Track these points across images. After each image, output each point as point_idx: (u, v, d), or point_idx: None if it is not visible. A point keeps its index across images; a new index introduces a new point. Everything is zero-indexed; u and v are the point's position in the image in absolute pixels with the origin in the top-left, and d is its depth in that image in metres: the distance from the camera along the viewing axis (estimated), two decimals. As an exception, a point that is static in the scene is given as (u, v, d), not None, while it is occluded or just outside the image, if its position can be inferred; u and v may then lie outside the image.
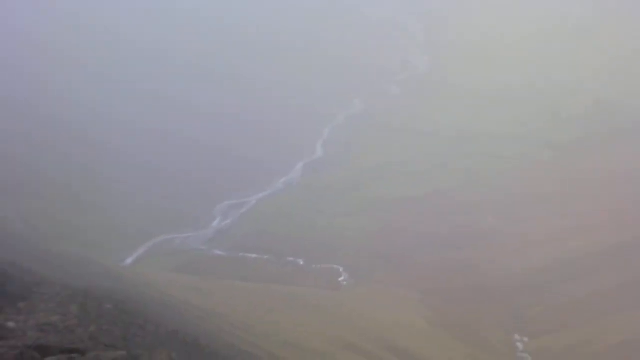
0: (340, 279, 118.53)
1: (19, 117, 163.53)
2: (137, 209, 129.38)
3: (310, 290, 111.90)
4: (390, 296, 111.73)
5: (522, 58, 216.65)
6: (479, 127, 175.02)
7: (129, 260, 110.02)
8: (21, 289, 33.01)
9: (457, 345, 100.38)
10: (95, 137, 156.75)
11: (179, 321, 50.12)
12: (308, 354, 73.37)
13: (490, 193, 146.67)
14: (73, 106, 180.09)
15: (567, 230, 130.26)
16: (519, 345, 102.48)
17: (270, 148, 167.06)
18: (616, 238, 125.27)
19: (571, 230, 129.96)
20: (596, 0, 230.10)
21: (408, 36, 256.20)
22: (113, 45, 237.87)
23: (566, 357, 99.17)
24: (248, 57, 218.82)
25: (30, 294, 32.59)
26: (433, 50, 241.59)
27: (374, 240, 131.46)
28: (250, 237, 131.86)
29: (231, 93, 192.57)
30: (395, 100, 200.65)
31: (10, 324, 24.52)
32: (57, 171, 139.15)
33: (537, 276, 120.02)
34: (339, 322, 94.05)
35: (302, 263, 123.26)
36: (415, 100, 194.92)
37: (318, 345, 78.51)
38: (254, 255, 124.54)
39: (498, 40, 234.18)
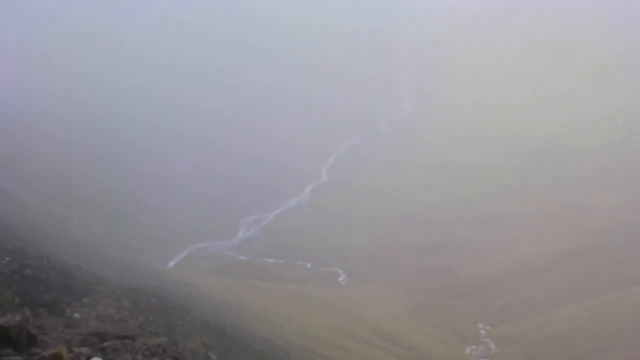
0: (340, 279, 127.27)
1: (85, 133, 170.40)
2: (177, 224, 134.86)
3: (315, 289, 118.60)
4: (380, 294, 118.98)
5: (491, 106, 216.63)
6: (454, 158, 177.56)
7: (171, 264, 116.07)
8: (84, 287, 34.24)
9: (433, 331, 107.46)
10: (140, 167, 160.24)
11: (210, 313, 52.09)
12: (314, 339, 76.05)
13: (464, 211, 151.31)
14: (140, 129, 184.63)
15: (522, 240, 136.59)
16: (482, 332, 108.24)
17: (284, 175, 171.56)
18: (561, 246, 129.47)
19: (526, 240, 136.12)
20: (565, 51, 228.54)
21: (399, 86, 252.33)
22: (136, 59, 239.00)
23: (520, 341, 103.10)
24: (261, 109, 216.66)
25: (91, 292, 34.06)
26: (419, 97, 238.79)
27: (368, 249, 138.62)
28: (268, 246, 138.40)
29: (248, 134, 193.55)
30: (386, 136, 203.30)
31: (76, 315, 26.83)
32: (112, 189, 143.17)
33: (499, 277, 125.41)
34: (338, 314, 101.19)
35: (309, 266, 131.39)
36: (402, 136, 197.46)
37: (322, 333, 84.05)
38: (271, 260, 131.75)
39: (474, 90, 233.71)
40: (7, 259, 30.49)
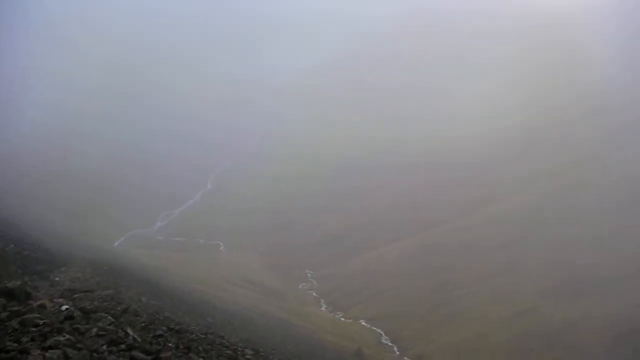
0: (221, 248, 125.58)
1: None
2: (116, 219, 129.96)
3: (206, 255, 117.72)
4: (245, 256, 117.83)
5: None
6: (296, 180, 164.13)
7: (116, 244, 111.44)
8: (62, 261, 32.64)
9: (277, 276, 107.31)
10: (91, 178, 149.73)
11: (142, 274, 49.43)
12: (208, 285, 74.32)
13: (297, 204, 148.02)
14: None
15: (337, 217, 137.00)
16: (309, 274, 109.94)
17: (182, 184, 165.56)
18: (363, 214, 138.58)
19: (339, 217, 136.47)
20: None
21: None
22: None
23: (337, 278, 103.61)
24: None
25: (67, 264, 32.28)
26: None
27: (239, 230, 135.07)
28: (176, 230, 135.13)
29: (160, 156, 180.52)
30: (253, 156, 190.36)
31: (57, 279, 25.72)
32: (72, 197, 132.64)
33: (321, 240, 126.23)
34: (221, 270, 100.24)
35: (202, 242, 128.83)
36: (257, 165, 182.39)
37: (212, 281, 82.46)
38: (178, 239, 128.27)
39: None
40: (12, 245, 30.18)
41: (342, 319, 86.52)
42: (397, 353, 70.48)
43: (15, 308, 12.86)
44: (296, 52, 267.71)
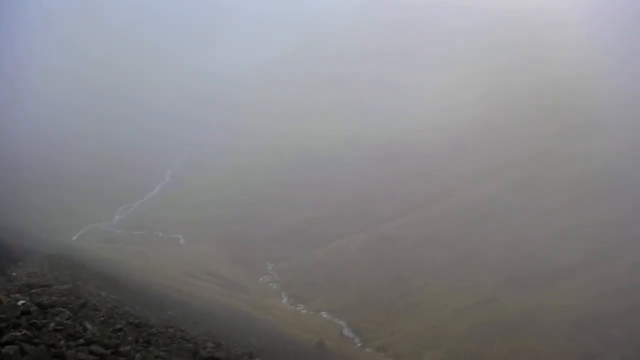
0: (181, 241, 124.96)
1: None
2: (74, 212, 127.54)
3: (165, 248, 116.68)
4: (206, 249, 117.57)
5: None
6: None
7: (74, 238, 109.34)
8: (19, 255, 32.45)
9: (237, 268, 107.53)
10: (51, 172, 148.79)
11: (99, 267, 48.71)
12: (168, 278, 73.83)
13: (257, 197, 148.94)
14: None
15: (294, 211, 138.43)
16: (269, 267, 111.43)
17: (141, 176, 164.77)
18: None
19: (296, 210, 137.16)
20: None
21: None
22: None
23: (297, 269, 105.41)
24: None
25: (24, 258, 32.05)
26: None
27: (198, 222, 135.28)
28: (135, 223, 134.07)
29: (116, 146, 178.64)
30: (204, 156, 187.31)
31: (14, 274, 25.46)
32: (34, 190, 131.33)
33: (282, 232, 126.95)
34: (181, 263, 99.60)
35: (161, 234, 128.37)
36: (216, 157, 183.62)
37: (172, 274, 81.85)
38: (136, 232, 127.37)
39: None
40: None
41: (304, 311, 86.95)
42: (359, 344, 71.06)
43: (-31, 304, 12.50)
44: (255, 43, 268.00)
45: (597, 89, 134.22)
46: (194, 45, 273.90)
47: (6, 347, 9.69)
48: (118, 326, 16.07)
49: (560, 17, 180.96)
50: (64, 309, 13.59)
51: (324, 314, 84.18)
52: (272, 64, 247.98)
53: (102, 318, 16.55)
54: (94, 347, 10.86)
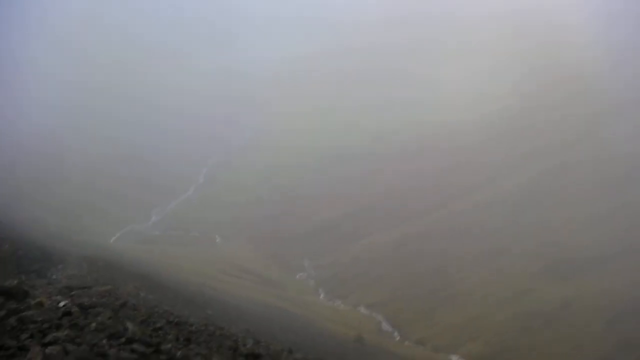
0: (217, 241, 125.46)
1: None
2: (109, 217, 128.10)
3: (202, 247, 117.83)
4: (242, 247, 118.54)
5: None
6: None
7: (112, 240, 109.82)
8: (58, 259, 32.51)
9: (274, 265, 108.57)
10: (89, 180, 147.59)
11: (138, 268, 49.16)
12: (206, 277, 73.59)
13: (286, 194, 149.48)
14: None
15: (324, 206, 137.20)
16: (306, 263, 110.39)
17: (175, 178, 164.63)
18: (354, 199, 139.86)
19: (327, 206, 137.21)
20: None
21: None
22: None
23: (334, 266, 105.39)
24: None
25: (63, 261, 32.28)
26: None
27: (234, 222, 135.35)
28: (171, 224, 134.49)
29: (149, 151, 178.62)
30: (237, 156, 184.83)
31: (54, 277, 25.74)
32: (63, 194, 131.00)
33: (326, 232, 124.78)
34: (217, 261, 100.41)
35: (198, 234, 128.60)
36: (249, 157, 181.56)
37: (209, 273, 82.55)
38: (174, 233, 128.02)
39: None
40: (7, 245, 29.79)
41: (341, 306, 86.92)
42: (398, 338, 70.90)
43: (14, 306, 12.77)
44: (286, 42, 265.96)
45: (626, 71, 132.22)
46: (219, 44, 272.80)
47: (49, 347, 9.83)
48: (158, 325, 16.23)
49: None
50: (104, 309, 13.92)
51: (362, 309, 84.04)
52: (304, 62, 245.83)
53: (142, 317, 16.74)
54: (135, 346, 10.96)
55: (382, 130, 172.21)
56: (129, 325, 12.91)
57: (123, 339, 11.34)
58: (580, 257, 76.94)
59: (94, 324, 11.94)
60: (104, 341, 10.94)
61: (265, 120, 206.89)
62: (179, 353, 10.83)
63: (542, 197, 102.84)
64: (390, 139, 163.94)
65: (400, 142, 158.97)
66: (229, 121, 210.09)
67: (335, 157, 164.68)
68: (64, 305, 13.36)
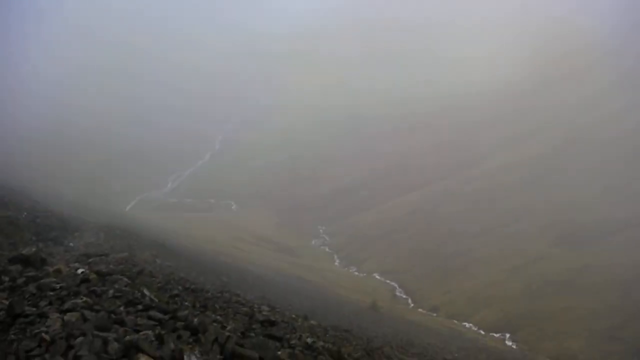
0: (233, 207, 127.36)
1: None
2: (126, 185, 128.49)
3: (218, 214, 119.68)
4: (257, 214, 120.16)
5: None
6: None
7: (128, 208, 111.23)
8: (75, 226, 31.99)
9: (289, 232, 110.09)
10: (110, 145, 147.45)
11: (154, 235, 49.28)
12: (219, 244, 75.18)
13: (299, 171, 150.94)
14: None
15: (339, 174, 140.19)
16: (321, 230, 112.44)
17: (190, 144, 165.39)
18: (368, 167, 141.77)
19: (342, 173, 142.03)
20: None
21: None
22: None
23: (348, 233, 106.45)
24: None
25: (79, 229, 31.68)
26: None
27: (249, 188, 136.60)
28: (187, 191, 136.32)
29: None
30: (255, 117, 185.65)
31: (71, 244, 25.33)
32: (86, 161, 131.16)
33: (341, 198, 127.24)
34: (232, 228, 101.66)
35: (213, 201, 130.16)
36: (268, 117, 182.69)
37: (223, 240, 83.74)
38: (189, 200, 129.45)
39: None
40: (25, 213, 30.00)
41: (356, 273, 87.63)
42: (412, 305, 71.25)
43: (32, 274, 12.85)
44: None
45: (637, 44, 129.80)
46: (243, 4, 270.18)
47: (68, 314, 9.90)
48: (175, 292, 16.29)
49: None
50: (121, 277, 13.80)
51: (377, 276, 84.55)
52: (324, 14, 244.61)
53: (159, 284, 16.79)
54: (152, 313, 11.00)
55: (400, 96, 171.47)
56: (146, 292, 12.95)
57: (140, 306, 11.35)
58: (593, 227, 76.35)
59: (111, 291, 11.98)
60: (122, 308, 10.98)
61: (285, 80, 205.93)
62: (195, 320, 10.89)
63: (555, 167, 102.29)
64: (408, 106, 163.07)
65: (418, 110, 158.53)
66: (248, 80, 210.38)
67: (354, 118, 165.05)
68: (81, 273, 13.35)
